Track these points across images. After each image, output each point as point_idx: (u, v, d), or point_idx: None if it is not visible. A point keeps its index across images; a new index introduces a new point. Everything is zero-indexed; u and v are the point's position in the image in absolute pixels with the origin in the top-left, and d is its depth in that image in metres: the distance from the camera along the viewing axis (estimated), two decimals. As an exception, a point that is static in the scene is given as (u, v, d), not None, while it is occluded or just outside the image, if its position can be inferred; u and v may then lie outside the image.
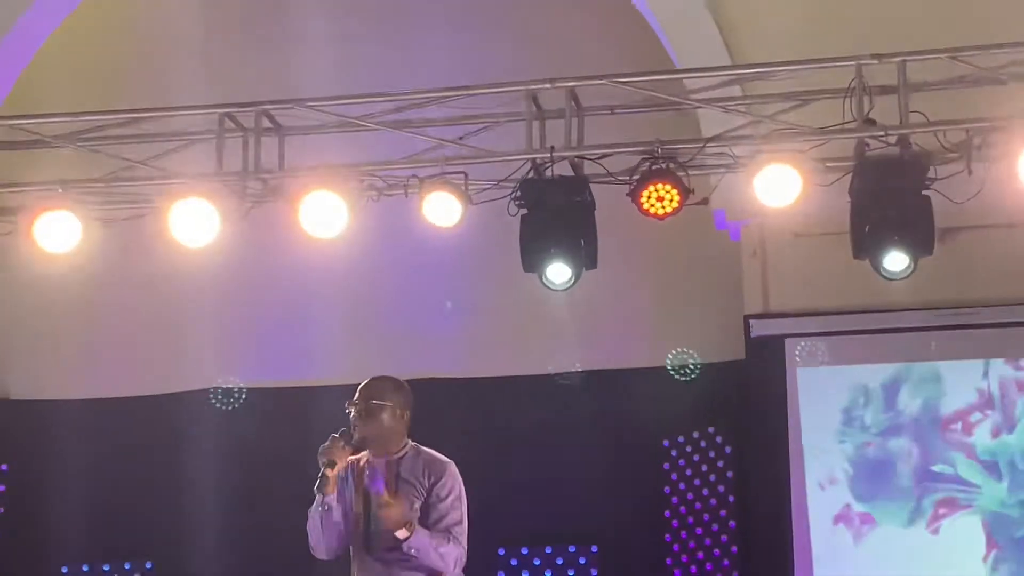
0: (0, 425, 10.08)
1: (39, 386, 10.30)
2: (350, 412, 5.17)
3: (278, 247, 8.16)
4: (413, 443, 5.25)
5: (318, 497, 5.05)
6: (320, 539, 5.13)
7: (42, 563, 9.81)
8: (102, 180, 7.22)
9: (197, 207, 6.87)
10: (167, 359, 10.15)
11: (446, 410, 8.71)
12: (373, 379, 5.30)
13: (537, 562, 9.55)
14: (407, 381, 9.57)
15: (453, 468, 5.17)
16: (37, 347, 10.37)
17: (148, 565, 9.83)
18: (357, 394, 5.20)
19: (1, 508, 9.96)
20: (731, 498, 9.10)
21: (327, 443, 5.04)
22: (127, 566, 9.85)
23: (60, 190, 6.97)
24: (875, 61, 6.76)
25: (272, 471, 9.63)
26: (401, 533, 4.87)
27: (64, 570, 9.88)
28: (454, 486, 5.11)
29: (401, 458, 5.15)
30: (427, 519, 5.02)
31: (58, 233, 6.93)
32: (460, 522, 5.09)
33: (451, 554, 5.00)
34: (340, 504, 5.13)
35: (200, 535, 9.68)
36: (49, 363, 10.35)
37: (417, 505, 5.03)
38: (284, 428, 9.81)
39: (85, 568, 9.88)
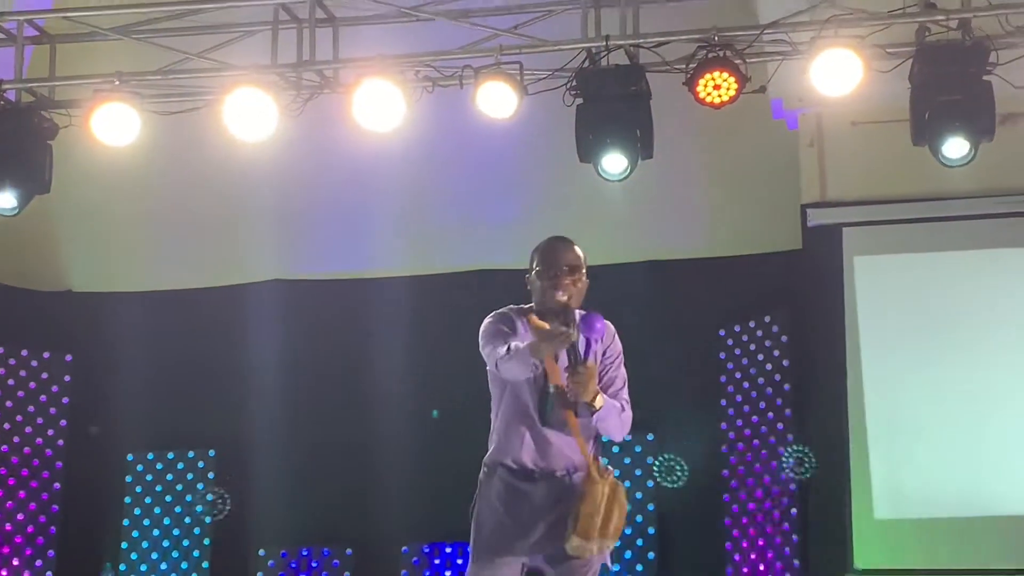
0: (63, 317, 10.22)
1: (100, 279, 10.43)
2: (549, 281, 4.68)
3: (334, 141, 8.17)
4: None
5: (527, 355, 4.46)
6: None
7: (107, 452, 10.00)
8: (158, 72, 7.25)
9: (253, 99, 6.88)
10: (225, 252, 10.24)
11: (501, 301, 8.70)
12: (564, 241, 4.80)
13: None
14: (463, 272, 9.76)
15: (613, 328, 4.77)
16: (98, 240, 10.48)
17: (211, 453, 10.00)
18: (557, 258, 4.72)
19: (67, 398, 10.14)
20: (787, 387, 9.09)
21: (561, 328, 4.45)
22: (190, 454, 10.02)
23: (117, 82, 6.99)
24: (937, -58, 6.64)
25: (330, 361, 9.73)
26: (598, 401, 4.52)
27: (129, 458, 10.06)
28: (620, 348, 4.76)
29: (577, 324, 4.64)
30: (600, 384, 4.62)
31: (116, 126, 6.98)
32: (625, 384, 4.77)
33: (629, 420, 4.71)
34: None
35: (260, 425, 9.84)
36: (110, 256, 10.46)
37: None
38: (341, 319, 9.90)
39: (150, 456, 10.06)
